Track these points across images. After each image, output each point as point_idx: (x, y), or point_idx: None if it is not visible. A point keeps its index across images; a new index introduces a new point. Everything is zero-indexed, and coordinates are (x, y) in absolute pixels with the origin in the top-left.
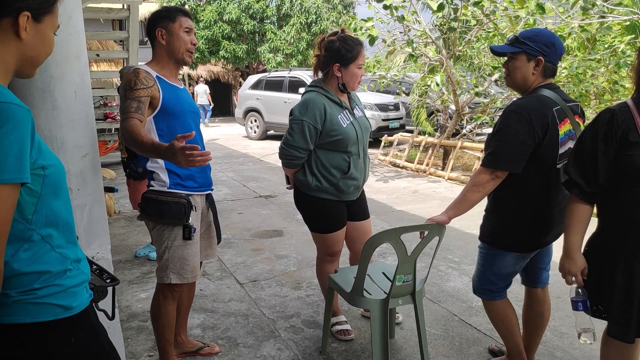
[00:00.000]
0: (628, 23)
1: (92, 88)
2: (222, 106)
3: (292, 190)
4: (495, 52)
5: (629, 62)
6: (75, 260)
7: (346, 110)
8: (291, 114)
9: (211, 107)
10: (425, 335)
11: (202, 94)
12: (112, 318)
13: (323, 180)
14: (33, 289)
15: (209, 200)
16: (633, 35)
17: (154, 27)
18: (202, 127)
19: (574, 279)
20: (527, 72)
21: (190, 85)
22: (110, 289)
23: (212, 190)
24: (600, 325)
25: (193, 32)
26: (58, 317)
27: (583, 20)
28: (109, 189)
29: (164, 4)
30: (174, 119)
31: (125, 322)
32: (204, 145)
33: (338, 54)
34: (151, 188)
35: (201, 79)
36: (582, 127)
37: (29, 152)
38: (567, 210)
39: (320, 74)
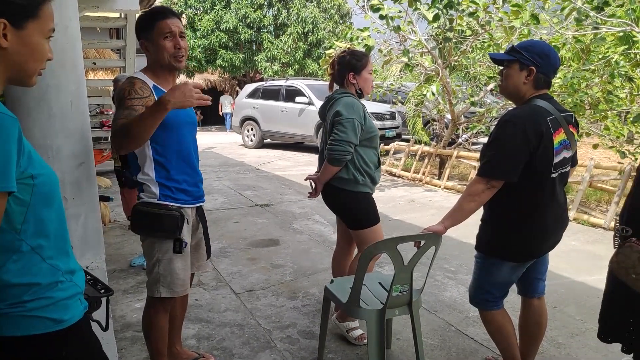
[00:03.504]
0: (621, 34)
1: (89, 96)
2: (219, 115)
3: (311, 197)
4: (492, 59)
5: (622, 72)
6: (67, 271)
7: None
8: (337, 115)
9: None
10: (421, 346)
11: (226, 104)
12: (105, 329)
13: (365, 175)
14: (22, 302)
15: (199, 212)
16: (626, 46)
17: (139, 39)
18: (226, 133)
19: None
20: (519, 81)
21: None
22: (104, 299)
23: (203, 202)
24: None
25: (177, 34)
26: (49, 330)
27: (577, 31)
28: (104, 198)
29: None
30: (168, 131)
31: (119, 332)
32: (198, 156)
33: (350, 65)
34: (141, 200)
35: (226, 91)
36: (577, 137)
37: (14, 160)
38: None
39: (335, 88)
